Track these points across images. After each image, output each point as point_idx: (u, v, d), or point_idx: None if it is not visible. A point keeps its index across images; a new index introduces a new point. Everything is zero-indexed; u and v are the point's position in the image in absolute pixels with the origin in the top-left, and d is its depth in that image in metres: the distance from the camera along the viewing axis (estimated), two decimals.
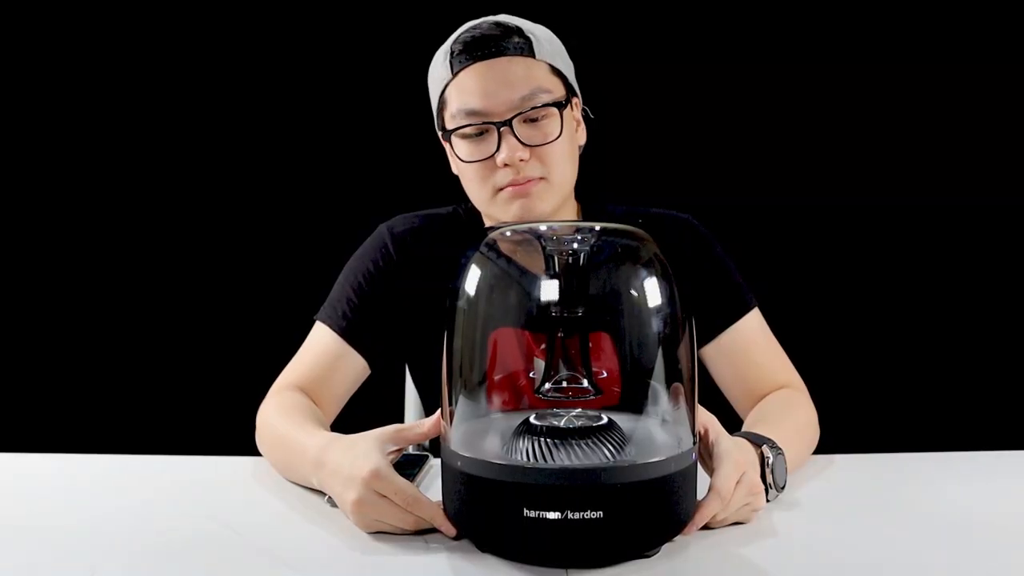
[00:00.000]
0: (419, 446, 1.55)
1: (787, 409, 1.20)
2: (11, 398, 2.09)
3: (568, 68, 1.26)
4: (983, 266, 2.03)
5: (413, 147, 1.93)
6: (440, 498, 0.90)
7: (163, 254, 2.10)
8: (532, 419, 0.85)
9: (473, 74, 1.19)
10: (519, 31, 1.21)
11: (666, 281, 0.87)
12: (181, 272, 2.10)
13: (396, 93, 1.99)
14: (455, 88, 1.21)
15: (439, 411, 0.91)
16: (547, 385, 0.86)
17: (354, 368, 1.29)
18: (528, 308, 0.90)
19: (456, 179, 1.29)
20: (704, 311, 1.24)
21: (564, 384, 0.86)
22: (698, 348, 1.25)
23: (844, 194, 2.04)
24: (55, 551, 0.91)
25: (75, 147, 2.08)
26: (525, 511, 0.79)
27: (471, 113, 1.19)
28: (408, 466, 1.12)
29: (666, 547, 0.87)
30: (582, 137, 1.29)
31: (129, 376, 2.10)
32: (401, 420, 1.56)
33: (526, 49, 1.20)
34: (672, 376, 0.87)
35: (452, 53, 1.21)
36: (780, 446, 1.01)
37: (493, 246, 0.90)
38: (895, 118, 2.01)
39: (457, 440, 0.87)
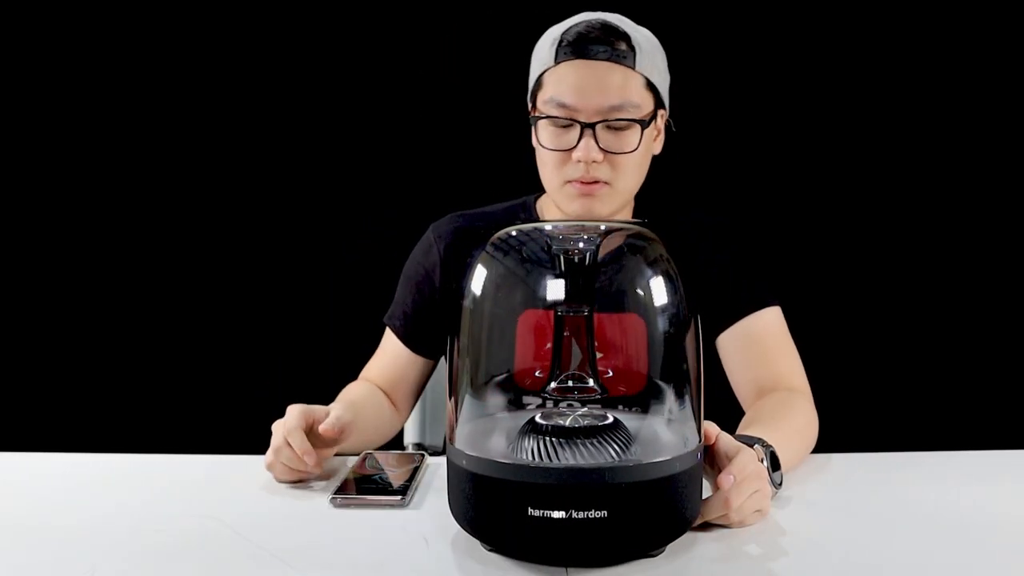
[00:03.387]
0: (417, 445, 1.56)
1: (784, 410, 1.21)
2: (11, 398, 2.08)
3: (663, 82, 1.29)
4: (983, 266, 2.03)
5: (466, 146, 1.95)
6: (445, 498, 0.90)
7: (161, 255, 2.09)
8: (538, 418, 0.85)
9: (572, 69, 1.23)
10: (627, 38, 1.23)
11: (672, 280, 0.87)
12: (180, 273, 2.10)
13: (462, 93, 2.01)
14: (554, 76, 1.24)
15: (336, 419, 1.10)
16: (552, 384, 0.86)
17: (420, 368, 1.40)
18: (534, 308, 0.90)
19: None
20: (727, 297, 1.31)
21: (569, 384, 0.86)
22: (716, 334, 1.32)
23: (841, 194, 2.05)
24: (55, 551, 0.90)
25: (75, 148, 2.07)
26: (530, 510, 0.79)
27: (562, 106, 1.23)
28: (405, 463, 1.13)
29: (670, 546, 0.86)
30: (658, 147, 1.32)
31: (129, 376, 2.09)
32: None
33: (628, 58, 1.23)
34: (679, 376, 0.87)
35: (560, 43, 1.24)
36: (771, 445, 1.01)
37: (499, 246, 0.90)
38: (895, 120, 2.02)
39: (463, 439, 0.87)
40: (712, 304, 1.30)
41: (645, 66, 1.24)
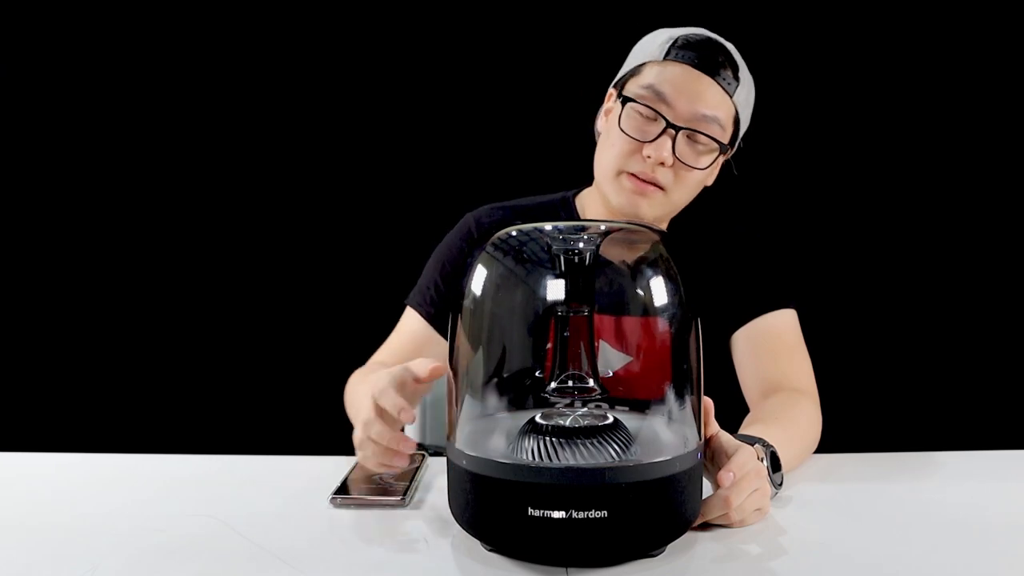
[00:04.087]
0: (417, 445, 1.56)
1: (786, 411, 1.21)
2: (11, 398, 2.08)
3: (746, 122, 1.31)
4: (982, 267, 2.03)
5: (501, 137, 1.94)
6: (445, 498, 0.90)
7: (162, 256, 2.09)
8: (538, 418, 0.85)
9: (680, 71, 1.24)
10: (736, 69, 1.26)
11: (673, 281, 0.87)
12: (180, 273, 2.10)
13: (494, 88, 2.01)
14: (657, 68, 1.25)
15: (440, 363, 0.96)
16: (552, 385, 0.86)
17: (442, 353, 1.32)
18: (534, 308, 0.90)
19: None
20: (744, 296, 1.32)
21: (570, 384, 0.86)
22: (731, 332, 1.33)
23: (842, 196, 2.05)
24: (55, 550, 0.90)
25: (76, 148, 2.07)
26: (530, 510, 0.79)
27: (658, 97, 1.23)
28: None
29: (670, 546, 0.87)
30: (711, 179, 1.33)
31: (129, 376, 2.09)
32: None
33: (731, 86, 1.25)
34: (679, 376, 0.87)
35: (675, 42, 1.25)
36: (772, 445, 1.01)
37: (500, 246, 0.90)
38: (891, 119, 2.02)
39: (463, 439, 0.87)
40: (728, 303, 1.31)
41: (740, 101, 1.27)
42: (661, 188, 1.24)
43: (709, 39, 1.26)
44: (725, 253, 1.36)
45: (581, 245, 0.85)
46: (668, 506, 0.82)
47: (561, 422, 0.84)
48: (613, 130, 1.26)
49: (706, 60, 1.23)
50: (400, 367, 0.99)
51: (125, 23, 2.04)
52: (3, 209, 2.08)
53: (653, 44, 1.28)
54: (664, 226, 1.35)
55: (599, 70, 1.40)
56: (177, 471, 1.18)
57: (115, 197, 2.08)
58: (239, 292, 2.09)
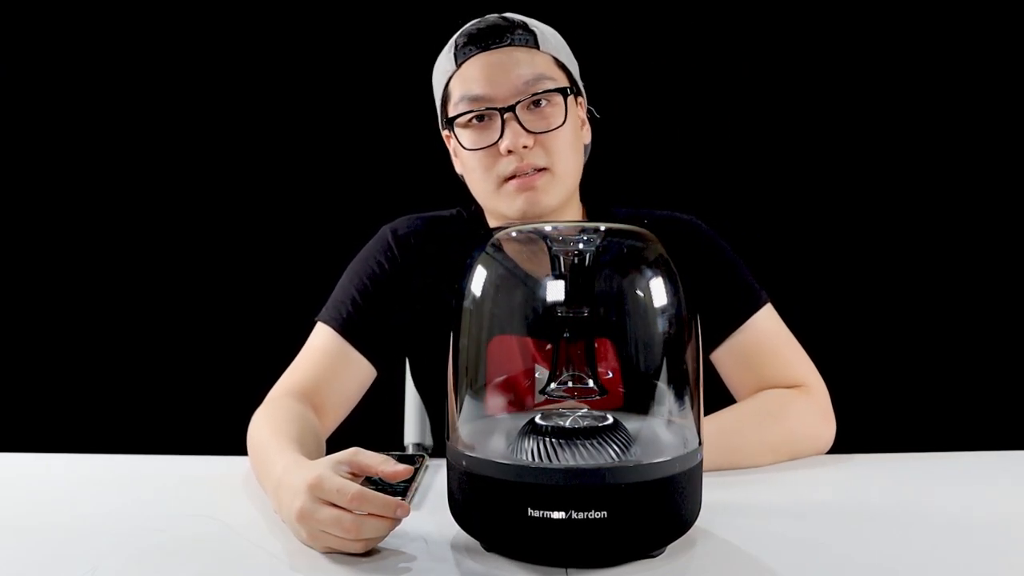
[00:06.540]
0: (417, 445, 1.56)
1: (751, 403, 1.20)
2: (11, 398, 2.08)
3: (572, 65, 1.27)
4: (983, 266, 2.03)
5: (415, 149, 1.94)
6: (445, 498, 0.90)
7: (162, 255, 2.09)
8: (537, 419, 0.85)
9: (477, 63, 1.21)
10: (524, 25, 1.23)
11: (672, 281, 0.87)
12: (181, 273, 2.09)
13: (400, 96, 2.00)
14: (459, 78, 1.22)
15: (406, 466, 0.88)
16: (552, 385, 0.86)
17: (358, 370, 1.26)
18: (534, 309, 0.90)
19: (459, 182, 1.29)
20: (713, 313, 1.22)
21: (569, 384, 0.86)
22: (709, 352, 1.26)
23: (845, 193, 2.04)
24: (55, 550, 0.90)
25: (75, 148, 2.07)
26: (530, 511, 0.79)
27: (474, 99, 1.20)
28: (405, 463, 1.12)
29: (670, 546, 0.87)
30: (587, 136, 1.30)
31: (128, 376, 2.09)
32: (401, 421, 1.56)
33: (530, 41, 1.21)
34: (678, 376, 0.87)
35: (457, 46, 1.23)
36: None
37: (499, 246, 0.90)
38: (899, 116, 2.01)
39: (463, 440, 0.87)
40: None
41: (549, 47, 1.23)
42: (542, 170, 1.18)
43: (482, 20, 1.23)
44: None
45: (581, 246, 0.85)
46: (668, 507, 0.82)
47: (561, 423, 0.84)
48: (465, 156, 1.22)
49: (492, 38, 1.20)
50: (352, 458, 0.89)
51: (105, 26, 2.04)
52: (3, 209, 2.08)
53: (442, 63, 1.25)
54: (578, 210, 1.29)
55: None
56: (177, 471, 1.18)
57: (114, 198, 2.08)
58: (239, 294, 2.09)
